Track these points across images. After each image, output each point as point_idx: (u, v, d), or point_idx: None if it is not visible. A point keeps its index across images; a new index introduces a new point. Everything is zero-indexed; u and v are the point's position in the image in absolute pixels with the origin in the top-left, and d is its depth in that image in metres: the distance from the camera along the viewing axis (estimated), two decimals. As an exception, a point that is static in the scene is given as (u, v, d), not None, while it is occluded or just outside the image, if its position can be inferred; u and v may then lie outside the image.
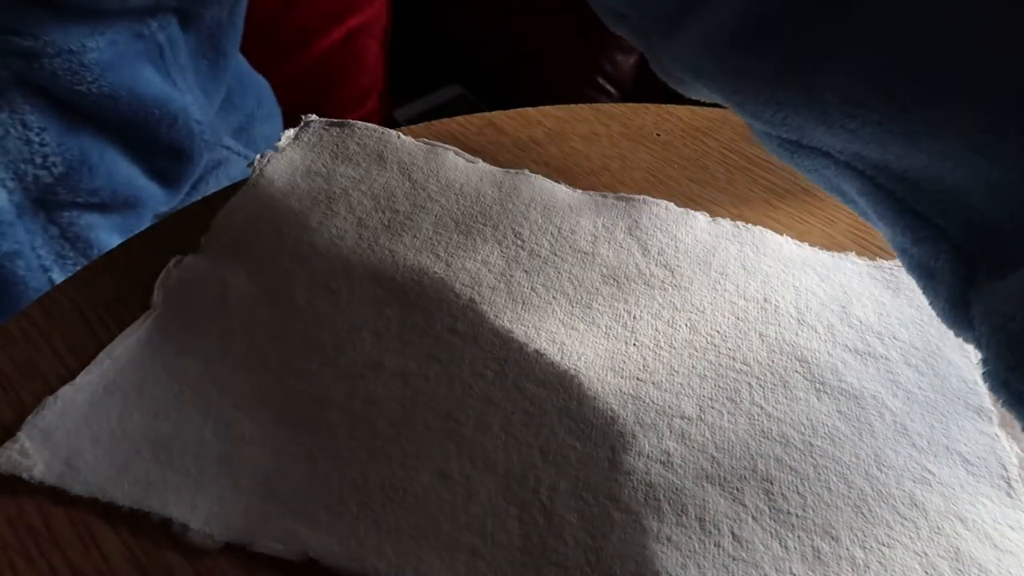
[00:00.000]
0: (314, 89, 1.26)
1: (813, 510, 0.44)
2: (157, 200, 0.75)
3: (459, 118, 0.69)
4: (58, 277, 0.68)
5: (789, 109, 0.32)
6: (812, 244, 0.61)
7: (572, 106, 0.72)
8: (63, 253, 0.68)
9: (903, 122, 0.28)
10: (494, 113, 0.70)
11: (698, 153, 0.69)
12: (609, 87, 1.36)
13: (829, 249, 0.61)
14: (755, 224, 0.62)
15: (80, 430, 0.42)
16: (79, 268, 0.68)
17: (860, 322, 0.54)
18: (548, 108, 0.72)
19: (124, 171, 0.70)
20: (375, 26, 1.31)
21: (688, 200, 0.63)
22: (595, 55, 1.34)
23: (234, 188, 0.59)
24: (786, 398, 0.49)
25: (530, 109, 0.72)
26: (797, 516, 0.43)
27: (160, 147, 0.72)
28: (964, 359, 0.53)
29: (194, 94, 0.75)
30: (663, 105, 0.74)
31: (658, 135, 0.70)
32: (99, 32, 0.64)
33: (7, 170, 0.62)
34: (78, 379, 0.45)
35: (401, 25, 1.40)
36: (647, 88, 1.39)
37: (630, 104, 0.73)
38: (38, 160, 0.63)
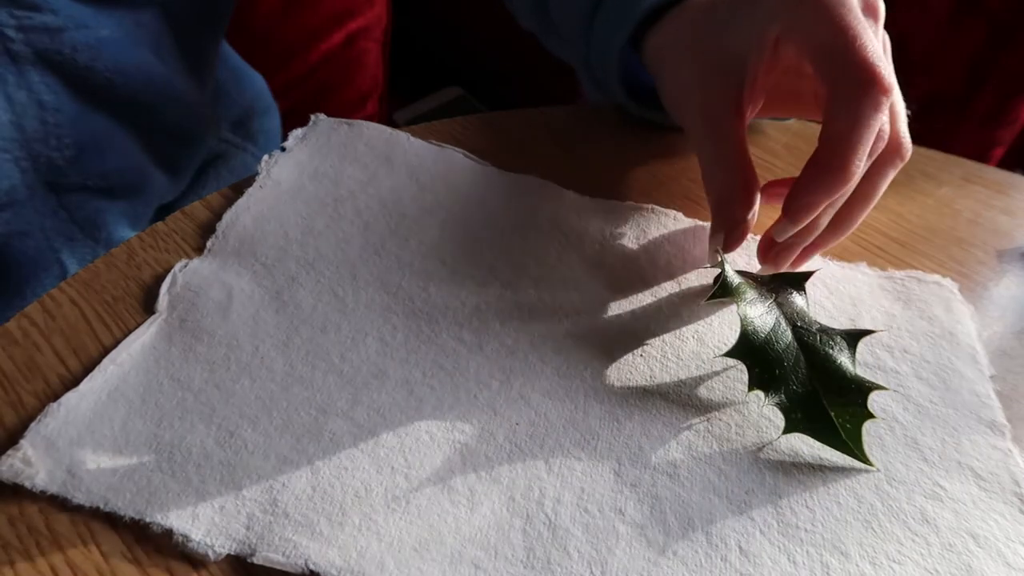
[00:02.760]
0: (315, 91, 1.26)
1: (822, 524, 0.43)
2: (162, 187, 0.76)
3: (459, 119, 0.69)
4: (67, 259, 0.68)
5: None
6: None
7: (572, 106, 0.72)
8: (72, 236, 0.69)
9: None
10: (494, 113, 0.70)
11: (698, 153, 0.69)
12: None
13: (829, 249, 0.60)
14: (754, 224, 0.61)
15: (83, 437, 0.42)
16: (87, 250, 0.68)
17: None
18: (548, 108, 0.72)
19: (133, 156, 0.71)
20: (375, 29, 1.31)
21: (688, 200, 0.63)
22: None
23: (236, 189, 0.58)
24: (795, 410, 0.49)
25: (530, 109, 0.71)
26: (806, 530, 0.43)
27: (165, 129, 0.73)
28: (976, 372, 0.52)
29: (186, 80, 0.75)
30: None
31: (658, 135, 0.70)
32: (106, 13, 0.64)
33: (22, 149, 0.62)
34: (82, 385, 0.44)
35: (401, 27, 1.40)
36: (647, 88, 1.38)
37: (630, 104, 0.73)
38: (52, 141, 0.64)
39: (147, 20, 0.68)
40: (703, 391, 0.49)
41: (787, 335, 0.47)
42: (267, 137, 0.92)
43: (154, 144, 0.73)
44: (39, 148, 0.63)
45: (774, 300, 0.49)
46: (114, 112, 0.68)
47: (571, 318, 0.52)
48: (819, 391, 0.45)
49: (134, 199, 0.73)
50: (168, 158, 0.75)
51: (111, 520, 0.40)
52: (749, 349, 0.46)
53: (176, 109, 0.73)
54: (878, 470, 0.46)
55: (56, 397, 0.43)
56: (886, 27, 0.51)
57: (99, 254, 0.68)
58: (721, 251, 0.51)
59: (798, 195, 0.48)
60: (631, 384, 0.49)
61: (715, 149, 0.52)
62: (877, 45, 0.47)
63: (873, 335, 0.53)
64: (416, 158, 0.62)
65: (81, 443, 0.42)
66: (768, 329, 0.47)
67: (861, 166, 0.47)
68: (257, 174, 0.59)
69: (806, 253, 0.55)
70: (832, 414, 0.45)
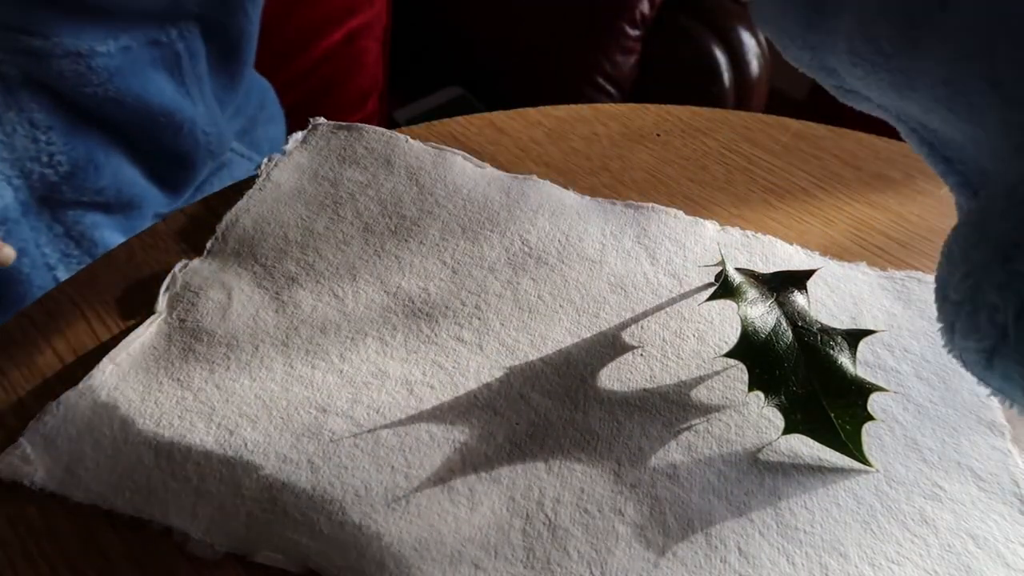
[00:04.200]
0: (315, 90, 1.26)
1: (821, 526, 0.43)
2: (159, 203, 0.75)
3: (459, 118, 0.69)
4: (63, 275, 0.68)
5: (820, 52, 0.34)
6: (813, 245, 0.60)
7: (572, 106, 0.72)
8: (68, 251, 0.68)
9: (889, 71, 0.30)
10: (494, 113, 0.70)
11: (698, 153, 0.69)
12: (609, 87, 1.36)
13: (828, 248, 0.60)
14: (754, 223, 0.61)
15: (82, 436, 0.42)
16: (83, 266, 0.68)
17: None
18: (548, 108, 0.72)
19: (128, 173, 0.70)
20: (375, 27, 1.30)
21: (687, 200, 0.63)
22: (595, 55, 1.34)
23: (236, 189, 0.58)
24: (795, 411, 0.49)
25: (530, 109, 0.71)
26: (805, 532, 0.43)
27: (164, 153, 0.72)
28: (975, 373, 0.52)
29: (207, 105, 0.74)
30: (663, 105, 0.74)
31: (658, 135, 0.70)
32: (112, 36, 0.64)
33: (13, 168, 0.62)
34: (81, 384, 0.44)
35: (401, 26, 1.40)
36: (647, 88, 1.38)
37: (630, 104, 0.73)
38: (44, 158, 0.63)
39: (170, 41, 0.68)
40: (703, 391, 0.49)
41: (788, 335, 0.47)
42: (272, 146, 0.92)
43: (152, 165, 0.72)
44: (31, 165, 0.63)
45: (775, 299, 0.48)
46: (109, 133, 0.67)
47: (571, 317, 0.52)
48: (819, 392, 0.45)
49: (131, 214, 0.73)
50: (166, 177, 0.75)
51: (111, 519, 0.40)
52: (749, 349, 0.46)
53: (180, 136, 0.73)
54: (877, 471, 0.46)
55: (55, 396, 0.43)
56: None
57: None
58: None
59: None
60: (631, 384, 0.49)
61: None
62: None
63: (874, 334, 0.52)
64: (416, 160, 0.62)
65: (80, 441, 0.42)
66: (769, 329, 0.47)
67: None
68: (257, 176, 0.59)
69: None
70: (832, 415, 0.45)
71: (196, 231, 0.55)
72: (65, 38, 0.61)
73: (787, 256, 0.59)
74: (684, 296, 0.55)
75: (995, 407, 0.50)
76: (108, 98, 0.65)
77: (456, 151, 0.63)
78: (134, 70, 0.66)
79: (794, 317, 0.48)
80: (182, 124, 0.71)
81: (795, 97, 1.88)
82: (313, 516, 0.40)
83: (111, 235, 0.71)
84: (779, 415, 0.45)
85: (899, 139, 0.67)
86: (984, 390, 0.50)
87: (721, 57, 1.33)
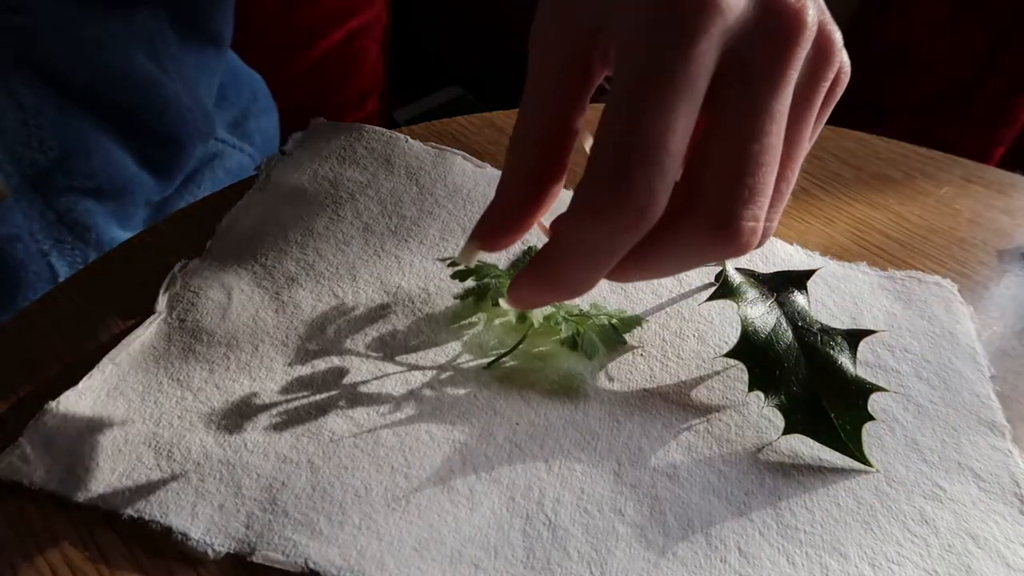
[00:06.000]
0: (314, 90, 1.26)
1: (821, 526, 0.43)
2: (149, 189, 0.75)
3: (459, 118, 0.69)
4: (57, 262, 0.67)
5: None
6: (813, 245, 0.61)
7: (572, 106, 0.72)
8: (61, 238, 0.68)
9: None
10: (494, 113, 0.70)
11: (700, 155, 0.69)
12: (609, 87, 1.36)
13: (829, 248, 0.60)
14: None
15: (82, 436, 0.42)
16: (77, 253, 0.68)
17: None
18: (549, 108, 0.72)
19: (118, 157, 0.70)
20: (375, 27, 1.30)
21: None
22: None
23: (236, 189, 0.58)
24: (795, 411, 0.49)
25: (530, 109, 0.71)
26: (805, 532, 0.43)
27: (152, 134, 0.72)
28: (977, 372, 0.52)
29: (186, 83, 0.74)
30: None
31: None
32: (91, 12, 0.63)
33: (4, 153, 0.61)
34: (81, 384, 0.44)
35: (401, 26, 1.40)
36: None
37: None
38: (35, 143, 0.63)
39: (141, 20, 0.68)
40: (703, 391, 0.49)
41: (788, 335, 0.47)
42: (264, 137, 0.92)
43: (140, 148, 0.72)
44: (22, 150, 0.62)
45: (775, 300, 0.48)
46: (98, 116, 0.67)
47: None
48: (819, 392, 0.45)
49: (123, 200, 0.72)
50: (156, 162, 0.74)
51: (110, 519, 0.40)
52: (750, 349, 0.46)
53: (166, 114, 0.72)
54: (877, 471, 0.46)
55: (55, 396, 0.43)
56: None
57: (89, 256, 0.67)
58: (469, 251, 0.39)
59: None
60: (631, 384, 0.49)
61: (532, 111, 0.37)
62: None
63: (874, 334, 0.52)
64: (416, 160, 0.62)
65: (80, 441, 0.42)
66: (769, 329, 0.47)
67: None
68: (256, 176, 0.59)
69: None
70: (832, 415, 0.45)
71: (196, 231, 0.55)
72: (54, 14, 0.61)
73: (787, 256, 0.59)
74: (684, 296, 0.55)
75: (995, 407, 0.50)
76: (97, 75, 0.64)
77: (456, 151, 0.63)
78: (116, 47, 0.65)
79: (794, 317, 0.48)
80: (167, 101, 0.71)
81: (795, 97, 1.87)
82: (313, 516, 0.40)
83: (104, 222, 0.70)
84: (779, 415, 0.45)
85: (899, 139, 0.67)
86: (984, 390, 0.51)
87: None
